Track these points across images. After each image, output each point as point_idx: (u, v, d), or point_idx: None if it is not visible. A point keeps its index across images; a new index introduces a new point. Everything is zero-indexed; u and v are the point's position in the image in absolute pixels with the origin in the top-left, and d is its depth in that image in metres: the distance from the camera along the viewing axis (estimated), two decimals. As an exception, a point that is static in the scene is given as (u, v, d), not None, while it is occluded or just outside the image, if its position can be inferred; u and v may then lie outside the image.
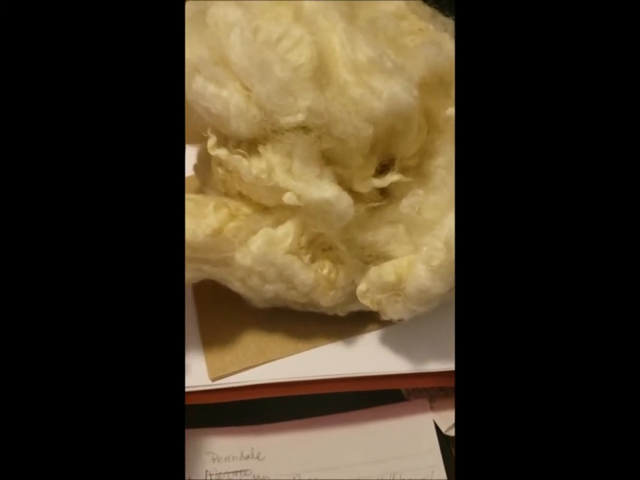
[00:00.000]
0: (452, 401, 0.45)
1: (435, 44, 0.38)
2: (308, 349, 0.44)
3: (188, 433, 0.43)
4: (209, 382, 0.42)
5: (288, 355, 0.44)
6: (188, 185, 0.38)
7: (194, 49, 0.36)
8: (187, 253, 0.36)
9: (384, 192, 0.42)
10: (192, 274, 0.40)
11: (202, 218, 0.36)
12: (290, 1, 0.37)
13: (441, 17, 0.43)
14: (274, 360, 0.43)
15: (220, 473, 0.42)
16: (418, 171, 0.40)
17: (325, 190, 0.36)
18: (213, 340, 0.45)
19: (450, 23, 0.42)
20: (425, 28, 0.41)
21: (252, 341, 0.44)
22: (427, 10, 0.43)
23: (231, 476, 0.42)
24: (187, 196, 0.37)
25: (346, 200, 0.37)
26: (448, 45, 0.40)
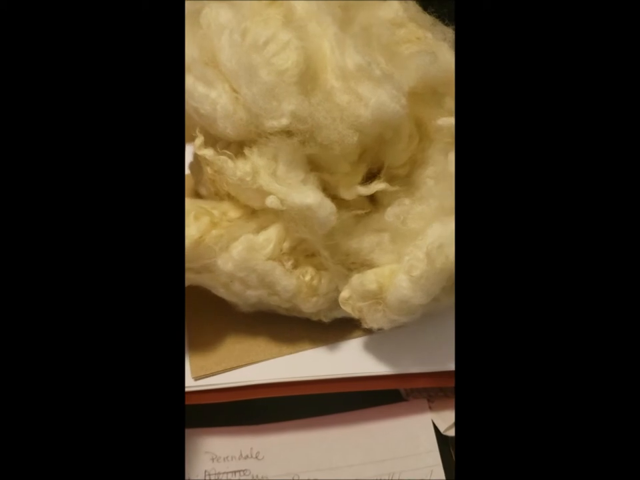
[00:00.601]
0: (451, 401, 0.45)
1: (430, 53, 0.38)
2: (291, 353, 0.44)
3: (187, 432, 0.43)
4: (208, 382, 0.42)
5: (271, 358, 0.44)
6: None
7: (186, 49, 0.36)
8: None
9: (372, 200, 0.41)
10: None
11: None
12: (284, 0, 0.37)
13: (440, 26, 0.42)
14: (257, 362, 0.43)
15: (219, 473, 0.42)
16: (407, 180, 0.40)
17: (307, 196, 0.36)
18: (197, 340, 0.45)
19: (450, 32, 0.42)
20: (422, 36, 0.41)
21: (237, 343, 0.44)
22: (427, 18, 0.42)
23: (230, 476, 0.42)
24: None
25: (328, 207, 0.36)
26: (445, 54, 0.40)
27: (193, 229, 0.37)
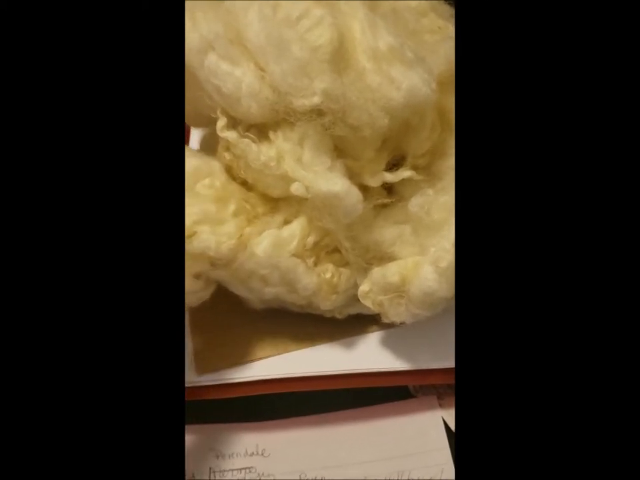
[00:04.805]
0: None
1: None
2: (298, 349, 0.42)
3: (191, 429, 0.42)
4: (214, 377, 0.41)
5: (277, 354, 0.42)
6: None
7: (209, 25, 0.35)
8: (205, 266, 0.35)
9: (391, 192, 0.40)
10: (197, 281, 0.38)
11: (220, 224, 0.35)
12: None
13: (460, 18, 0.42)
14: (263, 358, 0.42)
15: (224, 471, 0.41)
16: (428, 171, 0.39)
17: (335, 183, 0.35)
18: (202, 335, 0.43)
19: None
20: (443, 26, 0.41)
21: (244, 338, 0.43)
22: (447, 9, 0.42)
23: (235, 473, 0.41)
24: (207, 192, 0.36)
25: (355, 195, 0.35)
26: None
27: (231, 226, 0.35)
